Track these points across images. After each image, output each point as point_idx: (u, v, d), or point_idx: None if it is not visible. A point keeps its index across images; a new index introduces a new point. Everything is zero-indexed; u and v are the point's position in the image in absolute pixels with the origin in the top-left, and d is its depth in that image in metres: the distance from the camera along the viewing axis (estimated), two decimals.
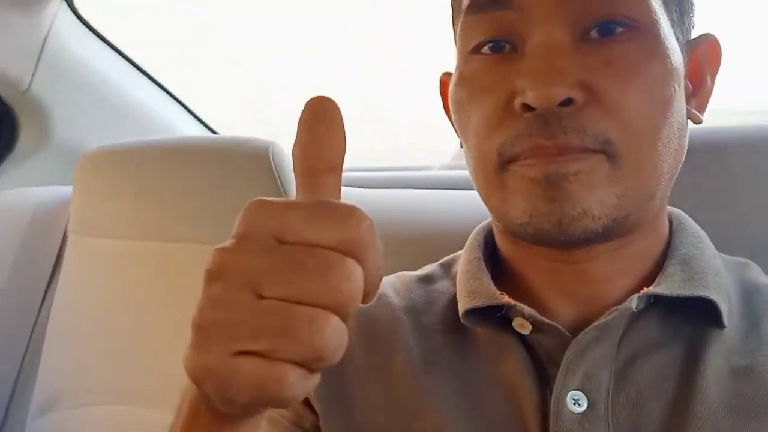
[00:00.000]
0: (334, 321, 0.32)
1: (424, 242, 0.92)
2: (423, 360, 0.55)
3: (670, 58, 0.48)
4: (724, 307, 0.50)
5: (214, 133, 1.42)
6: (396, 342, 0.56)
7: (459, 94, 0.52)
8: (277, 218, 0.33)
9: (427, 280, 0.62)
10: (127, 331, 1.02)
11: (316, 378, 0.34)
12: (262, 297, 0.32)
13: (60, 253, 1.11)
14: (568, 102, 0.45)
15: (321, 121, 0.35)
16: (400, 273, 0.64)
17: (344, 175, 1.05)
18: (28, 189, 1.21)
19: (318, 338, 0.31)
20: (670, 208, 0.58)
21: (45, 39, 1.08)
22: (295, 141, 0.36)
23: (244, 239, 0.33)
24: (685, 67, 0.51)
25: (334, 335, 0.32)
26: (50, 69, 1.13)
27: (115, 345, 1.02)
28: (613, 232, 0.48)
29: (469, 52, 0.52)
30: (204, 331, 0.33)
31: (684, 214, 0.58)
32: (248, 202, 0.34)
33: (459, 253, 0.62)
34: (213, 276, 0.33)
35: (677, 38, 0.51)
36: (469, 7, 0.51)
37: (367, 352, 0.56)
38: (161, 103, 1.29)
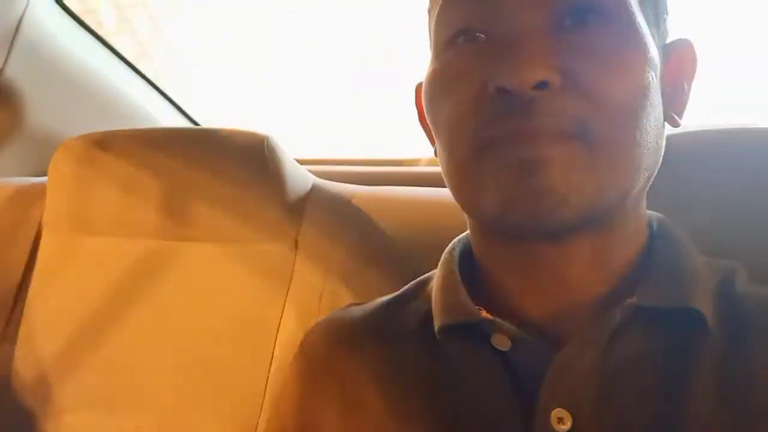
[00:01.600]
0: None
1: (415, 243, 0.89)
2: (396, 388, 0.54)
3: (646, 47, 0.48)
4: (709, 315, 0.48)
5: (196, 124, 1.35)
6: (367, 374, 0.56)
7: (432, 87, 0.52)
8: None
9: (399, 302, 0.61)
10: (110, 334, 0.95)
11: None
12: None
13: (33, 250, 1.03)
14: (543, 85, 0.44)
15: None
16: (376, 300, 0.63)
17: (327, 168, 1.02)
18: None
19: None
20: (650, 213, 0.56)
21: (20, 20, 1.00)
22: None
23: None
24: (661, 67, 0.51)
25: None
26: (25, 53, 1.05)
27: (96, 350, 0.95)
28: (590, 223, 0.48)
29: (444, 44, 0.51)
30: None
31: (666, 218, 0.56)
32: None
33: (435, 271, 0.60)
34: None
35: (653, 36, 0.50)
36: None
37: (341, 396, 0.56)
38: (142, 92, 1.22)
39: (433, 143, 0.57)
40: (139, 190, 1.00)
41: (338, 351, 0.59)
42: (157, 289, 0.97)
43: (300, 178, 1.01)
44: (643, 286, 0.49)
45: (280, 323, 0.92)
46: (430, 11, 0.56)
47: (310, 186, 1.02)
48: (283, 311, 0.92)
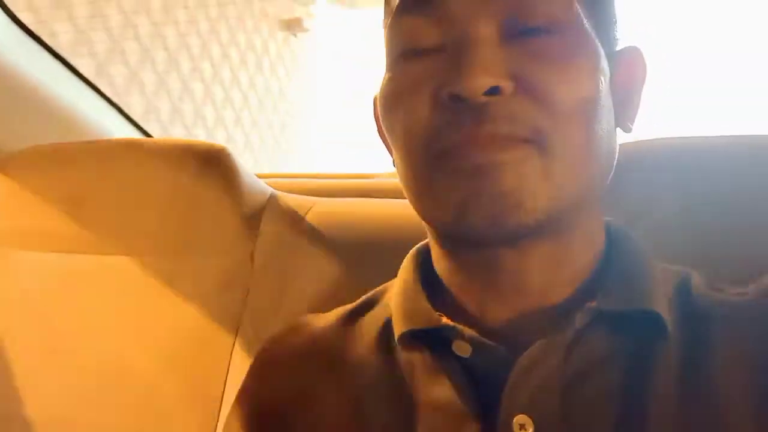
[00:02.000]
0: None
1: (374, 254, 0.85)
2: (355, 399, 0.53)
3: (595, 54, 0.49)
4: (668, 318, 0.49)
5: (150, 137, 1.32)
6: (324, 388, 0.55)
7: (386, 98, 0.52)
8: None
9: (358, 311, 0.61)
10: (58, 355, 0.93)
11: None
12: None
13: None
14: (495, 91, 0.45)
15: None
16: (335, 310, 0.63)
17: (285, 181, 0.98)
18: None
19: None
20: (607, 219, 0.57)
21: None
22: None
23: None
24: (611, 74, 0.52)
25: None
26: None
27: (43, 370, 0.93)
28: (546, 229, 0.48)
29: (397, 55, 0.51)
30: None
31: (623, 226, 0.57)
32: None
33: (394, 280, 0.60)
34: None
35: (602, 44, 0.51)
36: (397, 9, 0.51)
37: (300, 414, 0.55)
38: (94, 105, 1.19)
39: (391, 154, 0.58)
40: (91, 203, 0.97)
41: (293, 369, 0.58)
42: (110, 307, 0.94)
43: (256, 190, 0.98)
44: (602, 291, 0.50)
45: (235, 341, 0.89)
46: (383, 21, 0.56)
47: (267, 197, 0.99)
48: (239, 327, 0.89)
